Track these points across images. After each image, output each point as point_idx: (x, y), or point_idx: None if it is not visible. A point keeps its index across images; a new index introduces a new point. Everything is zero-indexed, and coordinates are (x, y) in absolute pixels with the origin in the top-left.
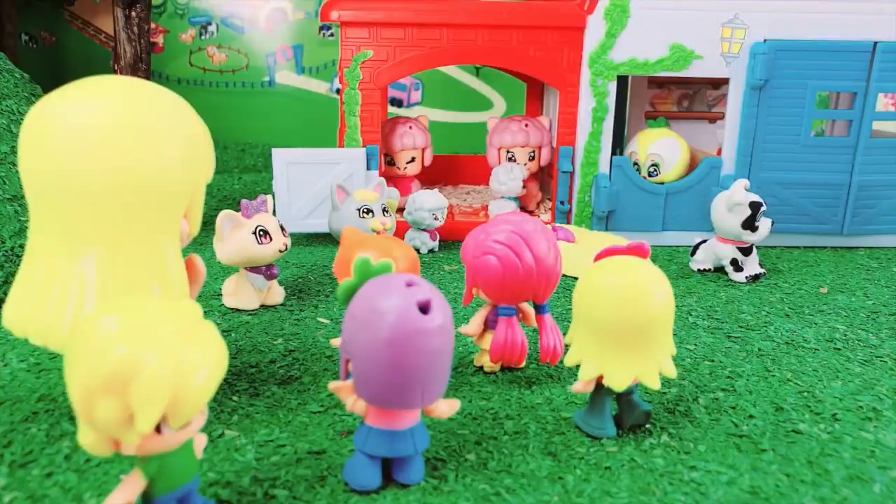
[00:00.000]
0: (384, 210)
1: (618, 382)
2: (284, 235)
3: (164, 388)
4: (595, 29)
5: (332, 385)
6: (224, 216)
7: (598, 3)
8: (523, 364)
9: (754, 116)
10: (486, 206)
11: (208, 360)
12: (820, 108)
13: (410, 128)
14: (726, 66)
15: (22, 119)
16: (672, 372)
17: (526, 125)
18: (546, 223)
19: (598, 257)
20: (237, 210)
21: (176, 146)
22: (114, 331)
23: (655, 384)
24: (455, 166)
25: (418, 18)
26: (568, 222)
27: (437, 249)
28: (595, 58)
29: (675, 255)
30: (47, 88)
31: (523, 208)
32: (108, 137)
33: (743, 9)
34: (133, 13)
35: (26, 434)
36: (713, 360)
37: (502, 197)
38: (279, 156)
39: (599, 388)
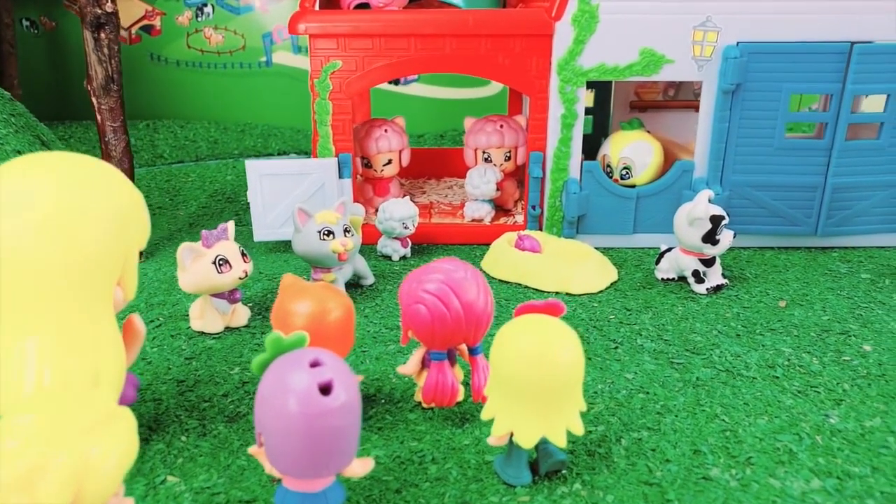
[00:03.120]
0: (346, 230)
1: (525, 440)
2: (246, 261)
3: (68, 487)
4: (563, 35)
5: (252, 450)
6: (184, 248)
7: (566, 9)
8: (457, 401)
9: (726, 120)
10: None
11: (116, 454)
12: (794, 111)
13: (386, 131)
14: (699, 69)
15: None
16: (579, 429)
17: (501, 126)
18: (519, 228)
19: (517, 313)
20: (203, 230)
21: (106, 221)
22: (25, 432)
23: (562, 442)
24: (439, 159)
25: (386, 29)
26: (540, 226)
27: (409, 255)
28: (563, 64)
29: (644, 260)
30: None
31: (501, 207)
32: (41, 219)
33: (715, 11)
34: (102, 35)
35: None
36: (648, 393)
37: (477, 199)
38: (253, 168)
39: None
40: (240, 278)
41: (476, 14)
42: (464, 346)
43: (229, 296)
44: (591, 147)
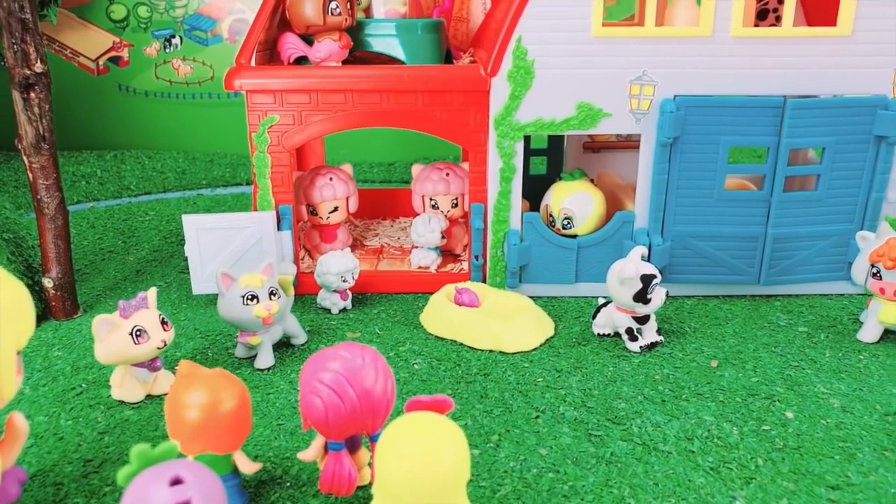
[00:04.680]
0: (271, 293)
1: None
2: (166, 329)
3: None
4: (499, 91)
5: None
6: (99, 321)
7: (502, 65)
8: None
9: (666, 172)
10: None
11: None
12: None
13: (331, 179)
14: (636, 122)
15: None
16: None
17: (447, 174)
18: (464, 276)
19: (407, 408)
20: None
21: None
22: None
23: None
24: (392, 199)
25: (322, 85)
26: (483, 276)
27: (349, 307)
28: (500, 119)
29: (585, 311)
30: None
31: (449, 252)
32: None
33: (651, 65)
34: (32, 94)
35: None
36: (559, 471)
37: (422, 247)
38: (190, 223)
39: None
40: (158, 348)
41: (412, 70)
42: None
43: (149, 364)
44: (544, 188)
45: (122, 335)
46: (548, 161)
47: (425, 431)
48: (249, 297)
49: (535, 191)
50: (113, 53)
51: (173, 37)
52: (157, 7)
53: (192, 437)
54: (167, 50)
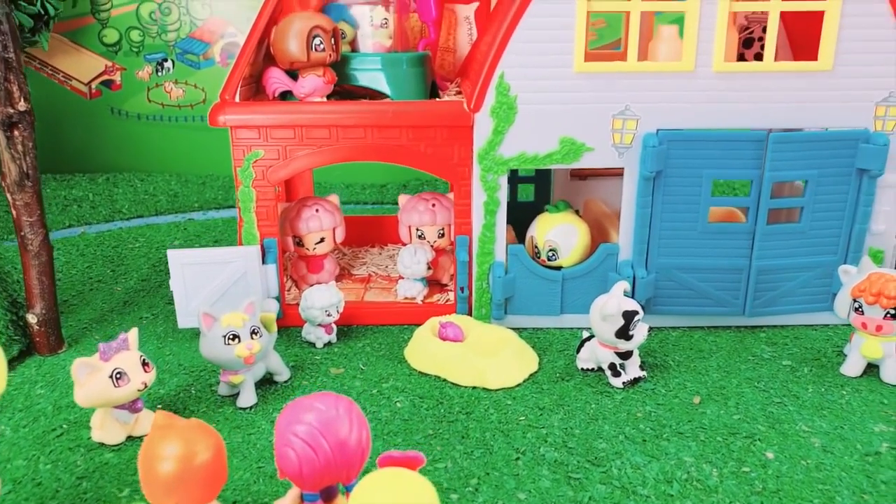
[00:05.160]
0: (253, 332)
1: None
2: (147, 370)
3: None
4: (483, 126)
5: None
6: (78, 365)
7: (485, 101)
8: None
9: (649, 205)
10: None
11: None
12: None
13: (317, 210)
14: (619, 156)
15: None
16: None
17: (433, 204)
18: (451, 308)
19: (379, 464)
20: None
21: None
22: None
23: None
24: (381, 226)
25: (306, 121)
26: (469, 308)
27: (335, 341)
28: (484, 154)
29: (570, 343)
30: None
31: (436, 281)
32: None
33: (633, 100)
34: (16, 132)
35: None
36: None
37: (408, 278)
38: (174, 258)
39: None
40: (139, 390)
41: (396, 106)
42: None
43: (130, 406)
44: (531, 216)
45: (102, 378)
46: (535, 188)
47: (396, 489)
48: (231, 336)
49: (522, 218)
50: (105, 77)
51: (165, 60)
52: (150, 31)
53: (167, 490)
54: (159, 73)
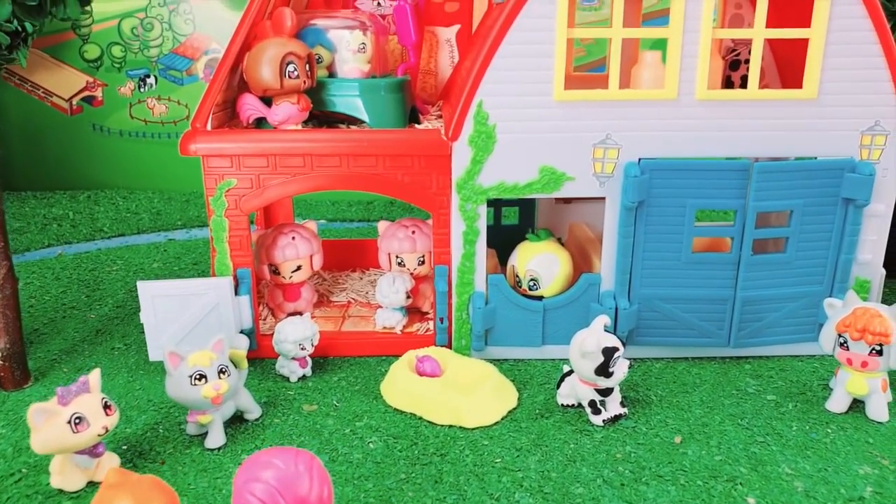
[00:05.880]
0: (221, 371)
1: None
2: (109, 413)
3: None
4: (461, 155)
5: None
6: (34, 411)
7: (462, 130)
8: None
9: (631, 235)
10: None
11: None
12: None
13: (293, 238)
14: (600, 186)
15: None
16: None
17: (413, 231)
18: (430, 338)
19: None
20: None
21: None
22: None
23: None
24: (363, 250)
25: (280, 149)
26: (448, 339)
27: (309, 374)
28: (462, 183)
29: (551, 375)
30: None
31: (417, 309)
32: None
33: (615, 129)
34: None
35: None
36: None
37: (387, 307)
38: (145, 290)
39: None
40: (99, 435)
41: (372, 134)
42: None
43: (91, 451)
44: (514, 239)
45: (60, 423)
46: (519, 211)
47: None
48: (197, 376)
49: (505, 241)
50: (87, 93)
51: (148, 76)
52: (132, 47)
53: None
54: (142, 89)
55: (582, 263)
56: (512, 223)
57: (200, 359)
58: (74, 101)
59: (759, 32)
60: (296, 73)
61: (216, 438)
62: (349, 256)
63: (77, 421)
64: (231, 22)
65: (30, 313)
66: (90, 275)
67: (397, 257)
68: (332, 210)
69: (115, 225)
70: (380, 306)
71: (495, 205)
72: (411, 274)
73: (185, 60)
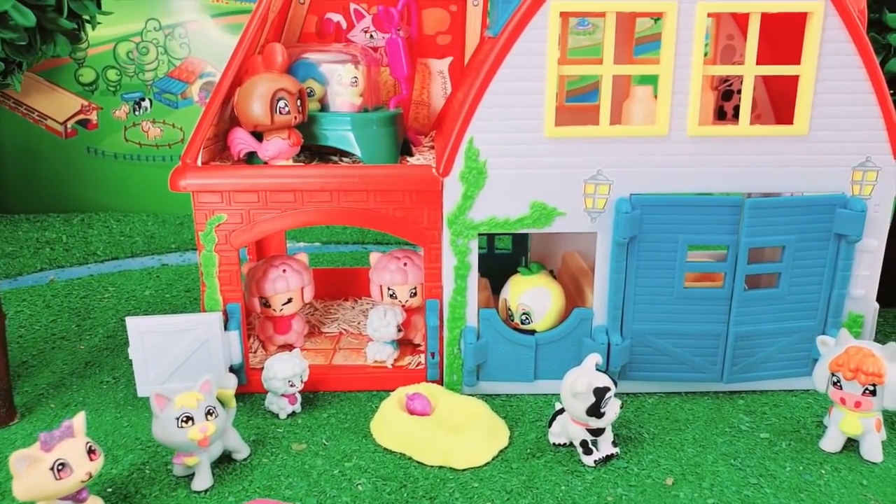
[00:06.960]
0: (208, 412)
1: None
2: (94, 458)
3: None
4: (452, 190)
5: None
6: (16, 458)
7: (454, 166)
8: None
9: (623, 271)
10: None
11: None
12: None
13: (284, 271)
14: (591, 221)
15: None
16: None
17: (405, 263)
18: (416, 377)
19: None
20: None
21: None
22: None
23: None
24: (354, 279)
25: (270, 185)
26: (440, 375)
27: (299, 410)
28: (453, 218)
29: (544, 411)
30: None
31: (408, 341)
32: None
33: (606, 164)
34: None
35: None
36: None
37: (378, 341)
38: (133, 326)
39: None
40: (83, 481)
41: (363, 170)
42: None
43: (74, 496)
44: (508, 268)
45: (42, 470)
46: (513, 239)
47: None
48: (185, 418)
49: (499, 269)
50: (81, 116)
51: (143, 99)
52: (127, 70)
53: None
54: (137, 113)
55: (575, 295)
56: (506, 250)
57: (187, 400)
58: (69, 125)
59: (749, 69)
60: (286, 108)
61: (203, 480)
62: (341, 285)
63: (60, 467)
64: (226, 46)
65: (18, 344)
66: (81, 302)
67: (389, 289)
68: (328, 233)
69: (108, 248)
70: (370, 340)
71: (488, 233)
72: (403, 306)
73: (181, 84)
